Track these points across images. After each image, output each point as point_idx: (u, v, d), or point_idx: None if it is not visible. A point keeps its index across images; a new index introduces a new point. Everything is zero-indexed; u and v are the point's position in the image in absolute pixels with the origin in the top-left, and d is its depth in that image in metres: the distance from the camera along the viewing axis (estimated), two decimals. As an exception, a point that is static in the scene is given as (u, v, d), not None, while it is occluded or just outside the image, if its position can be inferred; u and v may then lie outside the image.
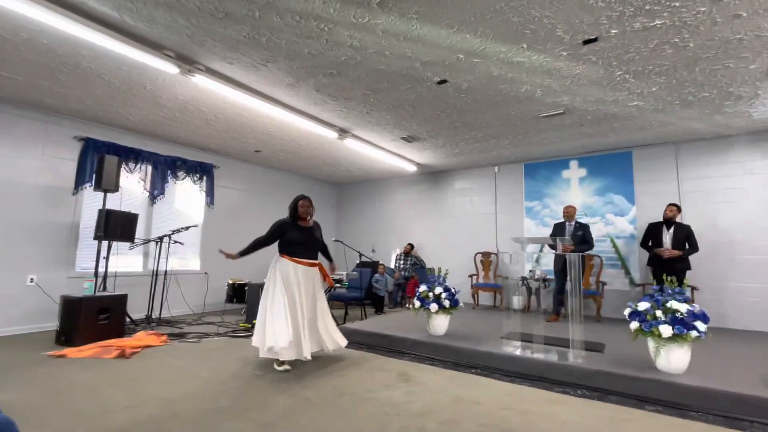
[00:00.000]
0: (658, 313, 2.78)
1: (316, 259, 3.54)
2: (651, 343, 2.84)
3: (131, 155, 5.25)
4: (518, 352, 3.32)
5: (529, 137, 5.32)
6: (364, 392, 2.70)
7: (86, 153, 4.85)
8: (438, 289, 3.87)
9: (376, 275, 6.46)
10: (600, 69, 3.38)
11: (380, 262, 7.13)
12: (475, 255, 6.74)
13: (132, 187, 5.33)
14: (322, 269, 3.59)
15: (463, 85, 3.75)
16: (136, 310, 5.06)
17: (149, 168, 5.51)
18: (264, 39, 3.02)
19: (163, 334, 4.15)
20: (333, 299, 5.89)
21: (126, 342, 3.79)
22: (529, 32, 2.85)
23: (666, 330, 2.69)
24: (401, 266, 7.25)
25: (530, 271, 6.06)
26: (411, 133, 5.25)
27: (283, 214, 3.62)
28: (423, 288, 3.98)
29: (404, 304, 6.95)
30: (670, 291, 2.86)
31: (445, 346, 3.61)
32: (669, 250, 4.60)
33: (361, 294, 5.71)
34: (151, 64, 3.31)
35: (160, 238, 5.11)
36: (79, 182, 4.79)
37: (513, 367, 3.21)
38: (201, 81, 3.61)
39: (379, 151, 5.94)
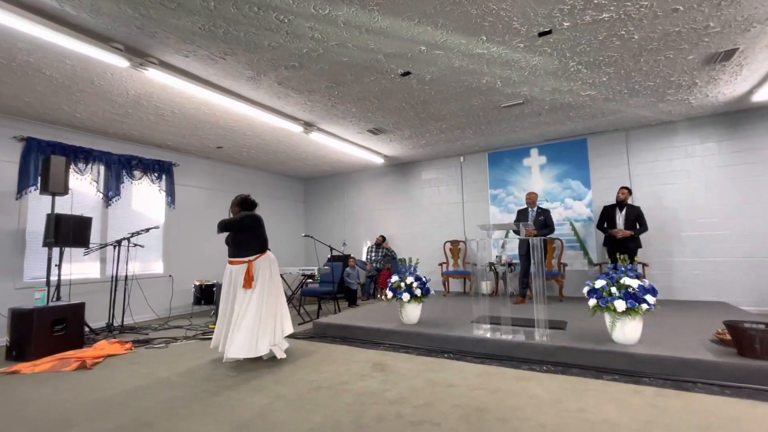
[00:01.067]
0: (613, 289, 2.98)
1: (242, 256, 3.37)
2: (607, 318, 3.05)
3: (80, 155, 4.93)
4: (488, 335, 3.46)
5: (492, 127, 5.47)
6: (339, 384, 2.72)
7: (29, 154, 4.50)
8: (409, 279, 3.94)
9: (347, 269, 6.47)
10: (555, 60, 3.52)
11: (351, 255, 7.14)
12: (445, 243, 6.89)
13: (83, 189, 5.01)
14: (249, 269, 3.33)
15: (426, 77, 3.80)
16: (95, 318, 4.81)
17: (101, 168, 5.20)
18: (221, 31, 2.92)
19: (127, 342, 3.97)
20: (306, 294, 5.86)
21: (86, 353, 3.60)
22: (488, 24, 2.93)
23: (620, 305, 2.89)
24: (373, 258, 7.30)
25: (497, 256, 6.29)
26: (377, 126, 5.25)
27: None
28: (395, 278, 4.04)
29: (377, 295, 7.01)
30: (623, 268, 3.07)
31: (418, 334, 3.70)
32: (622, 231, 4.91)
33: (334, 288, 5.71)
34: (97, 58, 3.11)
35: (118, 242, 4.86)
36: (23, 186, 4.44)
37: (483, 349, 3.34)
38: (154, 75, 3.44)
39: (345, 144, 5.91)
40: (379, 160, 7.09)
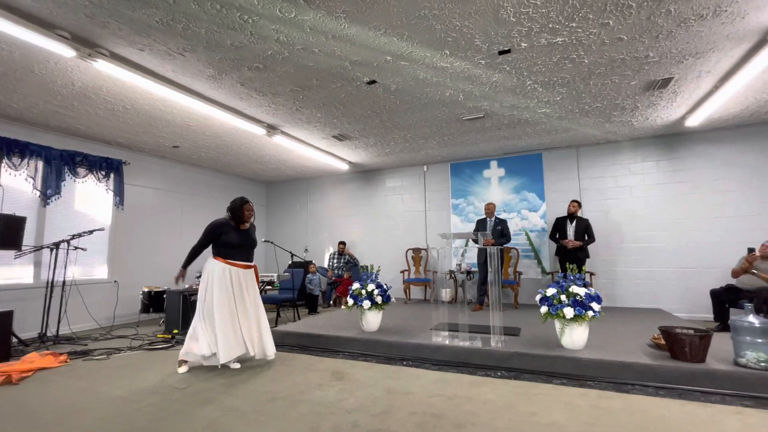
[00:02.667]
0: (563, 297, 3.14)
1: (252, 261, 3.50)
2: (557, 324, 3.21)
3: (15, 149, 4.51)
4: (446, 342, 3.52)
5: (454, 138, 5.63)
6: (296, 394, 2.66)
7: (-48, 145, 4.06)
8: (370, 286, 3.94)
9: (309, 275, 6.36)
10: (513, 78, 3.70)
11: (312, 261, 7.03)
12: (407, 251, 6.97)
13: (17, 186, 4.58)
14: (256, 271, 3.54)
15: (391, 87, 3.85)
16: (26, 328, 4.39)
17: (40, 164, 4.78)
18: (180, 26, 2.80)
19: (61, 354, 3.64)
20: (264, 302, 5.67)
21: (13, 366, 3.25)
22: (451, 40, 3.03)
23: (569, 312, 3.05)
24: (335, 265, 7.22)
25: (457, 264, 6.44)
26: (342, 132, 5.25)
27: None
28: (356, 285, 4.02)
29: (338, 303, 6.92)
30: (572, 277, 3.25)
31: (377, 342, 3.69)
32: (572, 241, 5.21)
33: (294, 295, 5.58)
34: (39, 45, 2.88)
35: (56, 244, 4.47)
36: (-57, 180, 3.99)
37: (441, 356, 3.39)
38: (105, 67, 3.23)
39: (309, 148, 5.84)
40: (344, 167, 7.07)
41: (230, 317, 3.20)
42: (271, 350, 3.37)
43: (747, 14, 2.75)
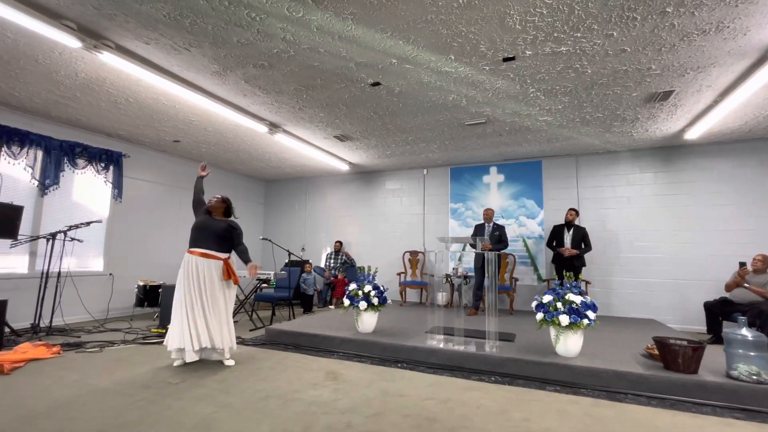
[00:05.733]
0: (559, 304, 3.16)
1: (210, 249, 3.28)
2: (552, 331, 3.22)
3: (15, 137, 4.49)
4: (441, 345, 3.53)
5: (455, 143, 5.65)
6: (290, 393, 2.65)
7: (-48, 131, 4.04)
8: (367, 287, 3.94)
9: (304, 274, 6.35)
10: (516, 85, 3.73)
11: (309, 260, 7.03)
12: (404, 254, 6.97)
13: (16, 174, 4.55)
14: (227, 264, 3.34)
15: (395, 89, 3.87)
16: (19, 318, 4.36)
17: (39, 153, 4.75)
18: (187, 21, 2.81)
19: (54, 345, 3.62)
20: (260, 299, 5.67)
21: (5, 356, 3.23)
22: (457, 45, 3.05)
23: (564, 319, 3.06)
24: (332, 265, 7.22)
25: (453, 268, 6.45)
26: (344, 132, 5.25)
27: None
28: (353, 286, 4.02)
29: (333, 303, 6.91)
30: (568, 285, 3.26)
31: (372, 343, 3.69)
32: (569, 250, 5.23)
33: (289, 294, 5.57)
34: (44, 34, 2.87)
35: (53, 235, 4.45)
36: (-59, 166, 3.97)
37: (436, 359, 3.40)
38: (109, 59, 3.23)
39: (311, 148, 5.84)
40: (344, 167, 7.07)
41: (192, 306, 3.17)
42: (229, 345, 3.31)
43: (749, 31, 2.79)
